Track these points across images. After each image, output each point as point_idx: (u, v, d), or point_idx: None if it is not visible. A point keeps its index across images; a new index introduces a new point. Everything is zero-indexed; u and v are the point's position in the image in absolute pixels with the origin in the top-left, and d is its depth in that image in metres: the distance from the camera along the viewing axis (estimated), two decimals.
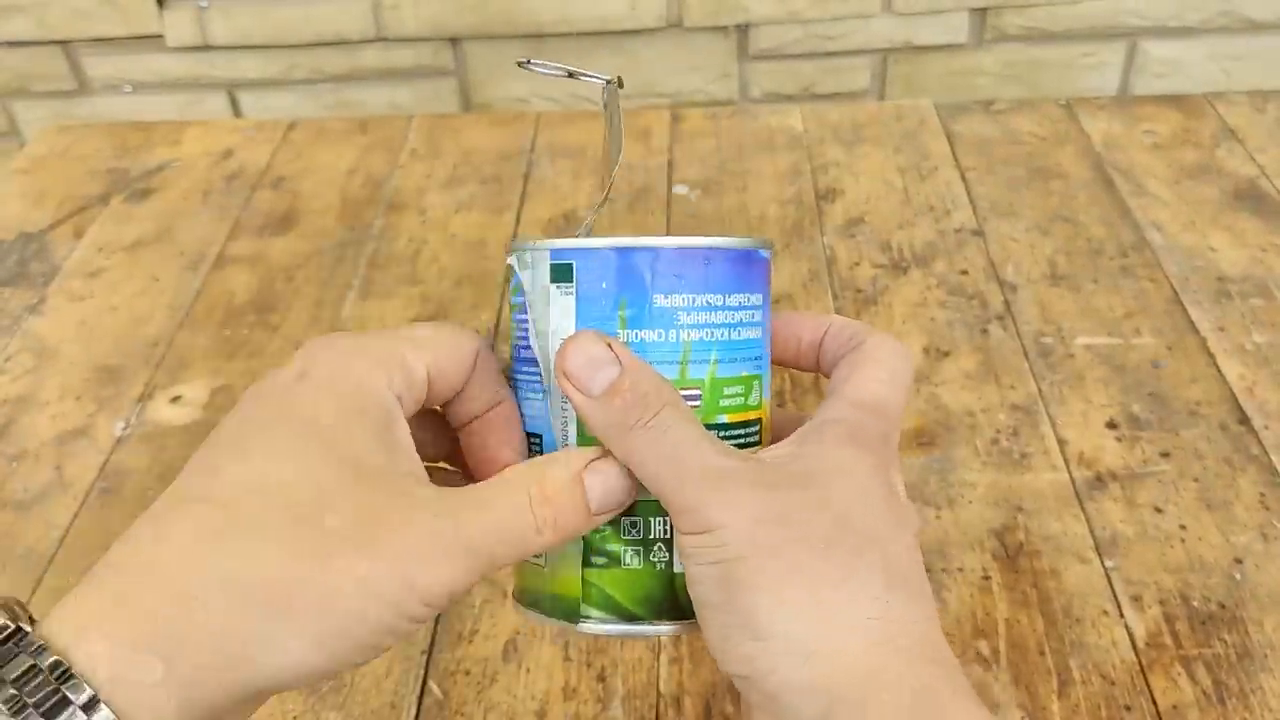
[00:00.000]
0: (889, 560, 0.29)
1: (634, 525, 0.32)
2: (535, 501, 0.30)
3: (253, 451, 0.29)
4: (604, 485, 0.31)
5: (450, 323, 0.34)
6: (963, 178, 0.86)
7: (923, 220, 0.81)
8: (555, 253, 0.32)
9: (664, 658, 0.53)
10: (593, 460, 0.31)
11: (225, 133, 0.98)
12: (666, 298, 0.31)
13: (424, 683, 0.52)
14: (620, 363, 0.30)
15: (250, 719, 0.29)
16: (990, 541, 0.57)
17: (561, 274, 0.32)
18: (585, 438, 0.32)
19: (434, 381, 0.32)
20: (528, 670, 0.52)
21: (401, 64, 1.24)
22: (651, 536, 0.32)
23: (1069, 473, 0.61)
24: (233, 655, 0.26)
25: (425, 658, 0.53)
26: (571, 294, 0.32)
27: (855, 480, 0.30)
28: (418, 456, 0.31)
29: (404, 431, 0.31)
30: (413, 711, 0.51)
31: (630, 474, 0.31)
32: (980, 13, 1.20)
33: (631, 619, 0.33)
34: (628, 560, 0.32)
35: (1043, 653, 0.52)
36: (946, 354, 0.69)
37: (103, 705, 0.25)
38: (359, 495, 0.28)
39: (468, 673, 0.53)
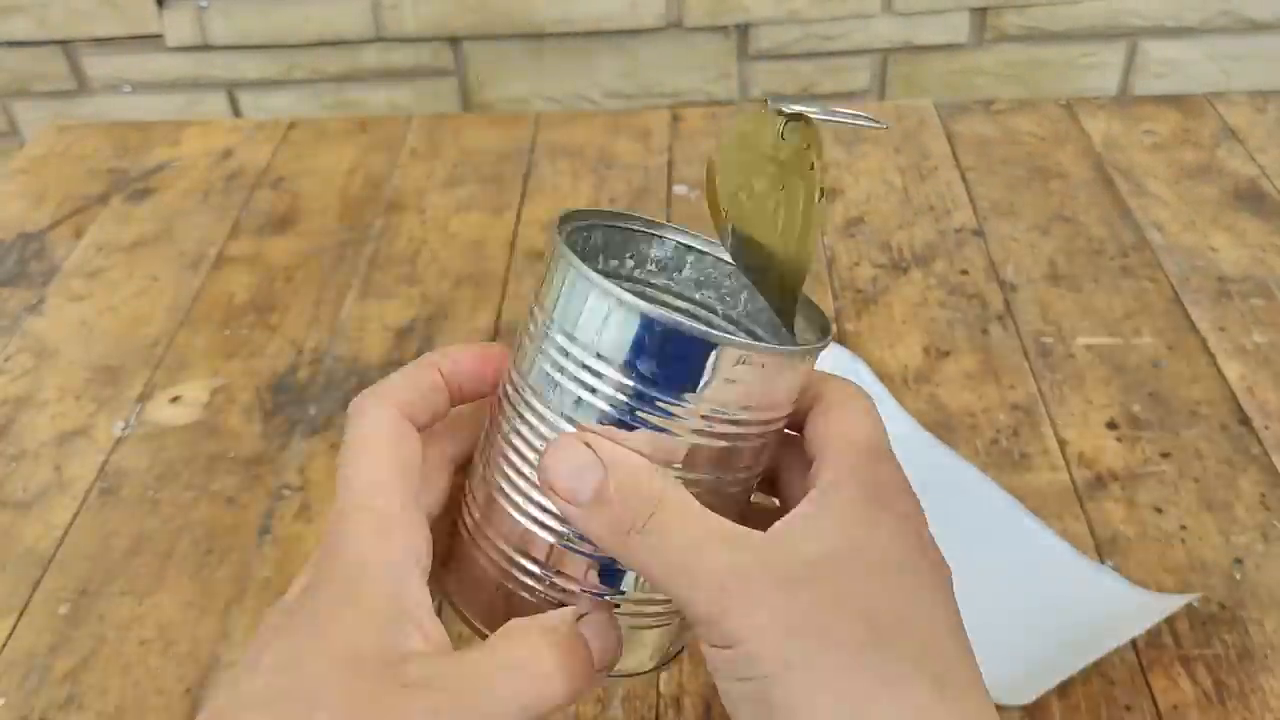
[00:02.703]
0: (930, 651, 0.27)
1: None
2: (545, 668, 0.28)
3: (260, 666, 0.28)
4: (602, 641, 0.29)
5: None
6: (963, 178, 0.86)
7: (923, 220, 0.81)
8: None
9: None
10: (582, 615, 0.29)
11: (225, 132, 0.98)
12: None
13: None
14: (603, 464, 0.28)
15: None
16: None
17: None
18: None
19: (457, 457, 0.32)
20: None
21: (401, 64, 1.24)
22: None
23: (1069, 473, 0.61)
24: None
25: None
26: None
27: (880, 552, 0.28)
28: (430, 622, 0.29)
29: (413, 602, 0.29)
30: None
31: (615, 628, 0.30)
32: (980, 12, 1.20)
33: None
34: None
35: None
36: (946, 354, 0.69)
37: None
38: (351, 686, 0.27)
39: None
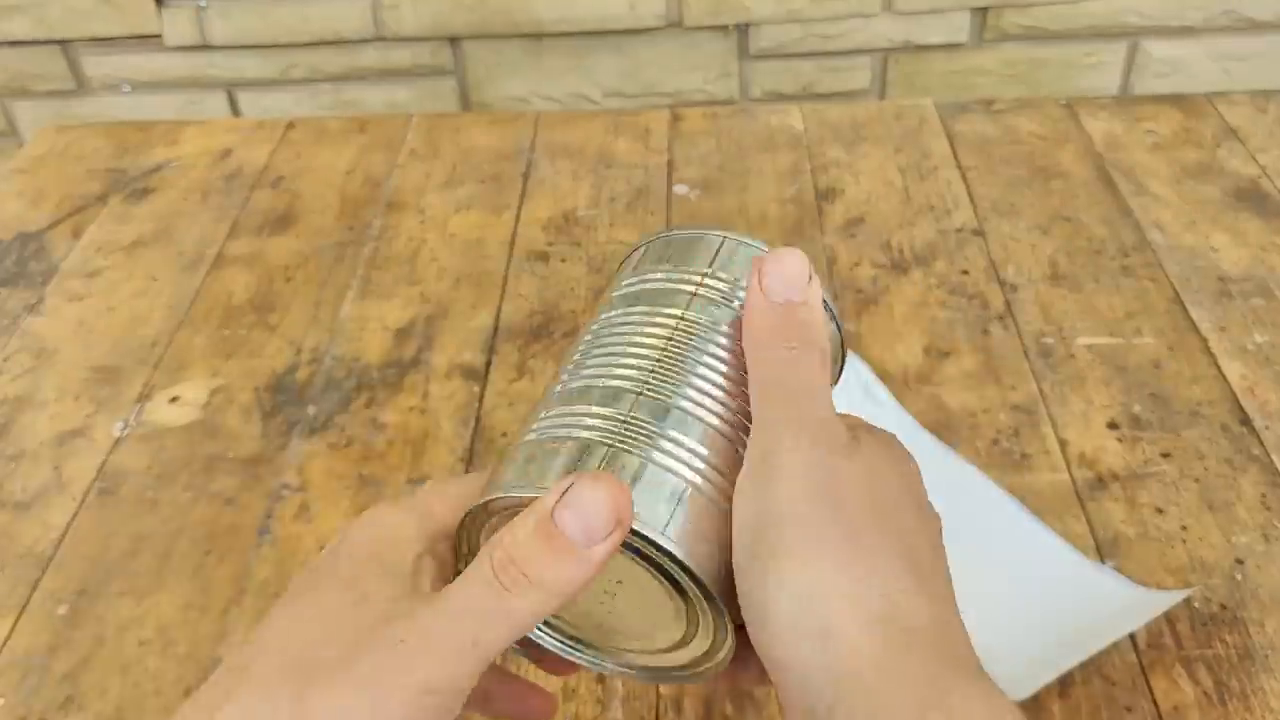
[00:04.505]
0: (913, 556, 0.29)
1: None
2: (498, 566, 0.27)
3: (279, 615, 0.30)
4: (582, 516, 0.27)
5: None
6: (963, 177, 0.86)
7: (923, 220, 0.81)
8: None
9: None
10: (563, 494, 0.27)
11: (224, 132, 0.98)
12: None
13: None
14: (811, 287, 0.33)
15: None
16: None
17: None
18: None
19: None
20: (528, 673, 0.52)
21: (400, 63, 1.24)
22: None
23: (1070, 473, 0.61)
24: None
25: None
26: None
27: (900, 474, 0.31)
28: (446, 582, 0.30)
29: (429, 565, 0.31)
30: None
31: (618, 491, 0.27)
32: (981, 12, 1.20)
33: None
34: None
35: None
36: (947, 354, 0.69)
37: None
38: (357, 621, 0.28)
39: None
